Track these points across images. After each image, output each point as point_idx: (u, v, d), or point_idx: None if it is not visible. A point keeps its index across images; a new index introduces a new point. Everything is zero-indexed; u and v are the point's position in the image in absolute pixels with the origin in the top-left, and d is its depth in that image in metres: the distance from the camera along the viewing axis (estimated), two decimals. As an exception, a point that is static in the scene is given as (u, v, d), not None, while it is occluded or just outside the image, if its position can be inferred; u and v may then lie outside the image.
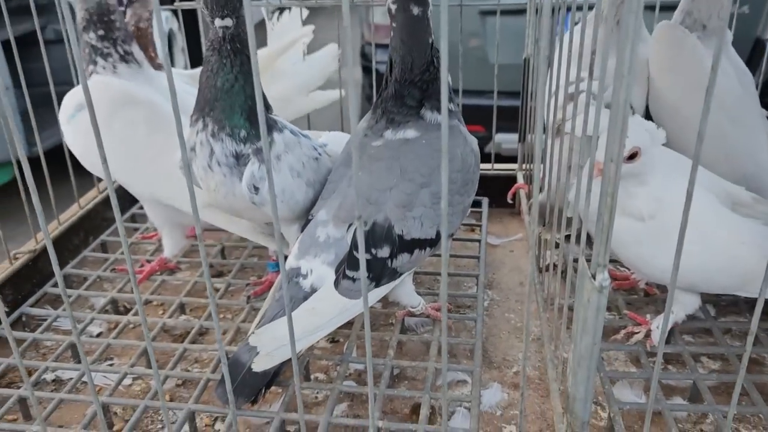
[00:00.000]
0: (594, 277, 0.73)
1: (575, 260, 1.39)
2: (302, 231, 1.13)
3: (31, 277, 1.45)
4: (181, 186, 1.12)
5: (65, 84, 1.52)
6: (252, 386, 1.02)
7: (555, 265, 1.35)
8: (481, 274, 1.42)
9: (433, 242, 1.10)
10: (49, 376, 1.23)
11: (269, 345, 1.01)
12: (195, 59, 4.70)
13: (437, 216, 1.08)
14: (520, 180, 1.77)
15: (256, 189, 1.11)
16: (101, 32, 1.35)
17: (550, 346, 1.13)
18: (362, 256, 0.66)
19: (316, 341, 1.06)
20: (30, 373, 1.23)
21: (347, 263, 1.05)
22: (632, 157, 1.09)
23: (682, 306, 1.19)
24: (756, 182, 1.27)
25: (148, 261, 1.52)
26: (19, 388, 1.17)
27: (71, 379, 1.19)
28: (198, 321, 1.32)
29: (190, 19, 1.94)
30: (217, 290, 1.45)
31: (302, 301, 1.05)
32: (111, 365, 1.25)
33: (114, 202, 0.68)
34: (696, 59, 1.30)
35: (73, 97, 1.36)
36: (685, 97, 1.31)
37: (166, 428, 1.11)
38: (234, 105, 1.09)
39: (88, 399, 1.12)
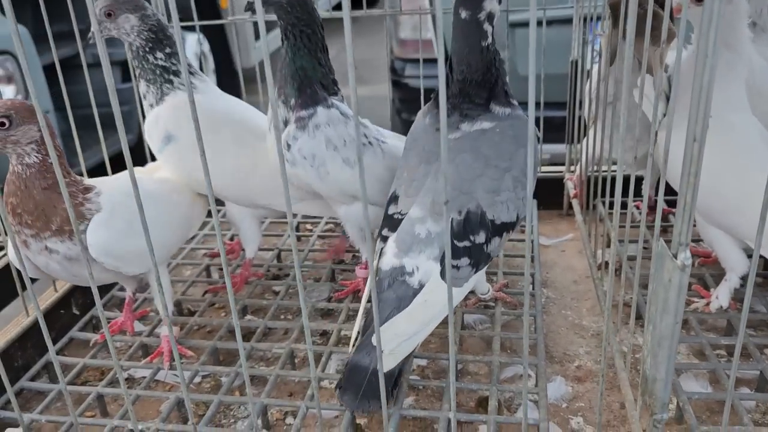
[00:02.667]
0: (676, 256, 0.75)
1: (630, 258, 1.43)
2: (388, 228, 1.15)
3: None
4: (277, 190, 1.23)
5: (104, 106, 1.54)
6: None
7: (606, 264, 1.38)
8: (537, 271, 1.44)
9: (514, 225, 1.14)
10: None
11: (392, 343, 1.02)
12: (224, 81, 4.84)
13: (518, 199, 1.11)
14: (569, 184, 1.79)
15: (288, 146, 1.23)
16: (168, 50, 1.35)
17: (615, 338, 1.14)
18: (447, 248, 0.68)
19: (429, 333, 1.07)
20: (103, 373, 1.28)
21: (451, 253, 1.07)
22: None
23: (732, 268, 1.24)
24: None
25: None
26: (95, 386, 1.21)
27: (144, 377, 1.22)
28: (262, 320, 1.35)
29: (219, 40, 1.98)
30: (276, 293, 1.48)
31: (413, 297, 1.06)
32: (181, 364, 1.28)
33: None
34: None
35: (156, 126, 1.35)
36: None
37: (240, 421, 1.15)
38: (287, 76, 1.23)
39: (164, 395, 1.16)
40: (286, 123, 1.24)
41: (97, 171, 1.39)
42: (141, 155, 1.65)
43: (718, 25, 0.64)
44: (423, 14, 1.95)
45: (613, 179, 1.11)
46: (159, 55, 1.35)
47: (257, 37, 5.00)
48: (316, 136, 1.22)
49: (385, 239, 1.13)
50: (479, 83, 1.12)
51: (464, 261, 1.09)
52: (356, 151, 1.09)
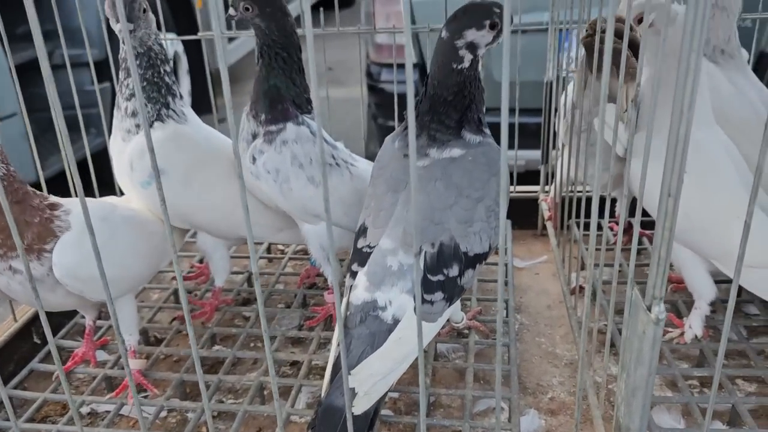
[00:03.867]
0: (650, 309, 0.74)
1: (604, 282, 1.42)
2: (357, 263, 1.12)
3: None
4: (261, 222, 1.36)
5: (71, 108, 1.45)
6: (355, 429, 0.93)
7: (581, 289, 1.37)
8: (510, 297, 1.42)
9: (487, 255, 1.12)
10: (84, 410, 1.23)
11: (367, 383, 0.99)
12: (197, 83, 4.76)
13: (491, 229, 1.10)
14: (543, 205, 1.78)
15: (254, 159, 1.23)
16: (168, 67, 1.28)
17: (589, 372, 1.13)
18: (418, 283, 0.66)
19: (404, 371, 1.04)
20: (65, 408, 1.24)
21: (424, 288, 1.05)
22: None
23: (701, 295, 1.24)
24: None
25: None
26: (54, 423, 1.16)
27: (107, 412, 1.18)
28: (231, 350, 1.32)
29: (193, 41, 1.92)
30: (246, 319, 1.45)
31: (387, 333, 1.03)
32: (145, 397, 1.24)
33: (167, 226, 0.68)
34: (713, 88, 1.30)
35: (143, 159, 1.26)
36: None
37: (206, 462, 1.11)
38: (260, 92, 1.22)
39: (127, 433, 1.12)
40: (254, 135, 1.24)
41: (62, 178, 1.32)
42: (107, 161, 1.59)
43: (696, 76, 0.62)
44: (396, 32, 1.92)
45: (588, 200, 1.10)
46: (167, 68, 1.29)
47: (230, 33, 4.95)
48: (282, 152, 1.22)
49: (354, 274, 1.10)
50: (449, 103, 1.10)
51: (438, 296, 1.07)
52: (320, 170, 1.08)
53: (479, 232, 1.08)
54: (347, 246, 1.37)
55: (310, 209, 1.26)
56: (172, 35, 3.90)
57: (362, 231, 1.14)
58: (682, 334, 1.27)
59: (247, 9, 1.18)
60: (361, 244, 1.12)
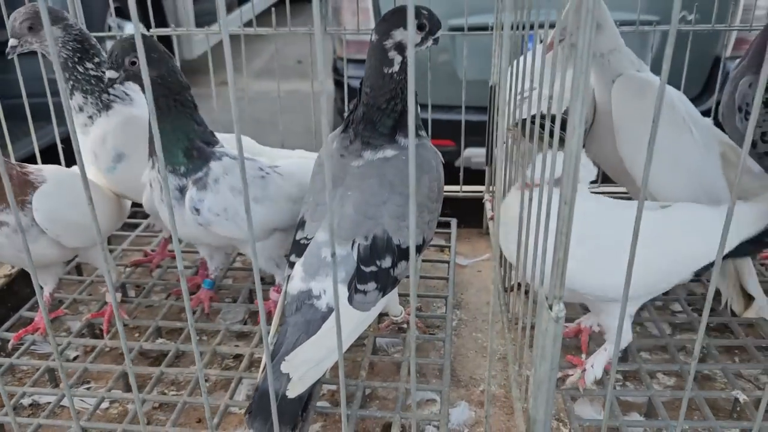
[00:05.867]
0: (551, 307, 0.79)
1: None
2: (295, 254, 1.16)
3: (6, 300, 1.46)
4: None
5: (37, 96, 1.54)
6: (290, 413, 1.03)
7: (519, 285, 1.42)
8: (450, 295, 1.47)
9: (420, 248, 1.20)
10: (26, 401, 1.25)
11: (301, 369, 1.03)
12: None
13: (423, 223, 1.17)
14: (487, 205, 1.83)
15: (197, 210, 1.23)
16: (96, 59, 1.34)
17: (514, 366, 1.19)
18: (335, 281, 0.71)
19: (336, 359, 1.08)
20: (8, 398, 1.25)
21: (357, 278, 1.10)
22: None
23: (611, 340, 1.19)
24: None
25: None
26: (-5, 413, 1.18)
27: (49, 403, 1.21)
28: (174, 344, 1.34)
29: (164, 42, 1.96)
30: (193, 312, 1.47)
31: (321, 321, 1.08)
32: (88, 389, 1.27)
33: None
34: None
35: (104, 146, 1.37)
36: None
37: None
38: (170, 146, 1.21)
39: (67, 423, 1.14)
40: (181, 190, 1.23)
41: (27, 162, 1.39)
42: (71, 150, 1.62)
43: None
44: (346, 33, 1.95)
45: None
46: (89, 65, 1.35)
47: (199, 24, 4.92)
48: (220, 190, 1.23)
49: (292, 265, 1.15)
50: (383, 111, 1.14)
51: (371, 285, 1.12)
52: (256, 184, 1.12)
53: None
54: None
55: (268, 225, 1.31)
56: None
57: (301, 224, 1.19)
58: (584, 372, 1.20)
59: (133, 63, 1.15)
60: (299, 236, 1.17)
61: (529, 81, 1.14)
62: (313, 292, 1.11)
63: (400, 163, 1.16)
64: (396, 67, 1.11)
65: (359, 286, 1.11)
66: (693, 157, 1.28)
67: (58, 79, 0.68)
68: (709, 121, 1.39)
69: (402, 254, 1.14)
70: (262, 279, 1.57)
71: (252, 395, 1.22)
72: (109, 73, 1.17)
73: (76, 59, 1.33)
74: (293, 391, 1.03)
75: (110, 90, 1.37)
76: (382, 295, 1.14)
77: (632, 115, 1.30)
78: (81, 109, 1.36)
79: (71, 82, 1.34)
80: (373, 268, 1.12)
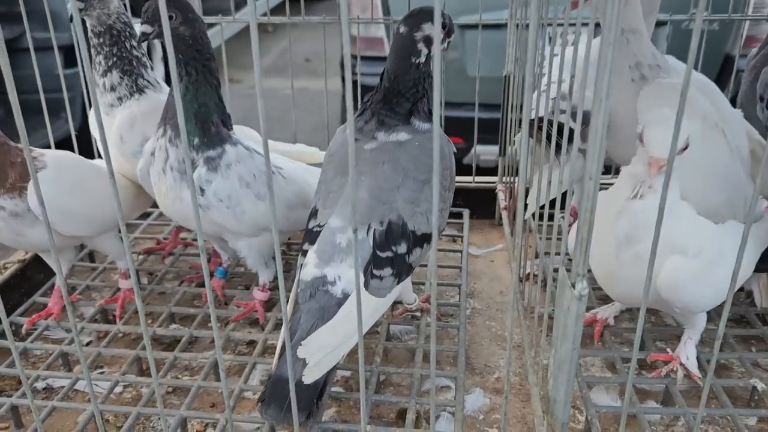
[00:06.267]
0: (574, 286, 0.78)
1: (555, 270, 1.47)
2: (308, 242, 1.15)
3: (20, 286, 1.46)
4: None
5: (45, 91, 1.54)
6: (306, 400, 1.01)
7: (535, 275, 1.42)
8: (464, 283, 1.47)
9: (431, 237, 1.16)
10: (39, 385, 1.24)
11: (317, 355, 1.02)
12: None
13: (438, 210, 1.14)
14: (500, 195, 1.83)
15: (202, 191, 1.20)
16: (133, 42, 1.33)
17: (531, 353, 1.18)
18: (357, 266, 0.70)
19: (353, 345, 1.07)
20: (21, 382, 1.25)
21: (373, 263, 1.10)
22: (684, 148, 1.06)
23: (696, 328, 1.21)
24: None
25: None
26: (9, 396, 1.18)
27: (62, 387, 1.21)
28: (188, 329, 1.34)
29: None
30: (205, 300, 1.47)
31: (337, 307, 1.07)
32: (101, 374, 1.27)
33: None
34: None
35: (132, 129, 1.35)
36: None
37: (159, 434, 1.14)
38: (188, 113, 1.16)
39: (81, 406, 1.14)
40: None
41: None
42: (86, 144, 1.62)
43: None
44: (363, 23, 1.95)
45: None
46: (134, 43, 1.34)
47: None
48: (230, 176, 1.20)
49: (305, 253, 1.14)
50: (403, 94, 1.16)
51: (387, 271, 1.11)
52: (266, 182, 1.13)
53: (426, 213, 1.13)
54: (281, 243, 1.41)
55: (262, 224, 1.28)
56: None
57: (313, 213, 1.18)
58: (683, 368, 1.18)
59: (170, 17, 1.11)
60: (312, 224, 1.17)
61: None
62: (327, 278, 1.10)
63: (414, 148, 1.16)
64: (423, 58, 1.14)
65: (375, 272, 1.10)
66: (727, 166, 1.26)
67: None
68: (738, 113, 1.37)
69: (417, 241, 1.13)
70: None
71: (265, 382, 1.22)
72: (143, 27, 1.15)
73: (126, 35, 1.31)
74: (309, 377, 1.02)
75: (144, 73, 1.35)
76: (398, 282, 1.13)
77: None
78: (113, 89, 1.35)
79: (114, 59, 1.33)
80: (389, 254, 1.11)
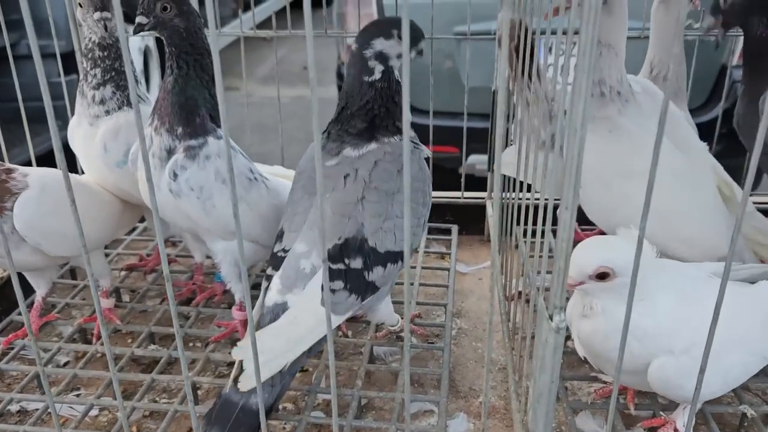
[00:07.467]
0: (551, 318, 0.76)
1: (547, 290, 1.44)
2: (272, 267, 1.13)
3: (-3, 304, 1.44)
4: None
5: (38, 100, 1.50)
6: (247, 425, 1.00)
7: (520, 294, 1.39)
8: (450, 303, 1.44)
9: (401, 255, 1.11)
10: (13, 407, 1.22)
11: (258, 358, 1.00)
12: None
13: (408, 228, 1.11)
14: (489, 209, 1.80)
15: (175, 175, 1.16)
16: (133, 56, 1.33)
17: (514, 377, 1.16)
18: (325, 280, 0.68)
19: (297, 355, 1.04)
20: (-6, 404, 1.23)
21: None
22: (602, 277, 0.98)
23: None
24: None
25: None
26: (-18, 419, 1.16)
27: (37, 410, 1.18)
28: (167, 350, 1.32)
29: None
30: (187, 318, 1.45)
31: None
32: (78, 395, 1.24)
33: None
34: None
35: (117, 139, 1.34)
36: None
37: (132, 461, 1.11)
38: (174, 104, 1.16)
39: (53, 431, 1.11)
40: (169, 151, 1.18)
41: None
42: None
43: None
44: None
45: (534, 207, 1.10)
46: (132, 58, 1.34)
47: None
48: (206, 168, 1.17)
49: (269, 278, 1.12)
50: (355, 115, 1.13)
51: (338, 284, 1.08)
52: (243, 184, 1.10)
53: (393, 229, 1.09)
54: (262, 260, 1.38)
55: (232, 226, 1.24)
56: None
57: (279, 235, 1.15)
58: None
59: (165, 8, 1.12)
60: (276, 248, 1.14)
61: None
62: (288, 304, 1.08)
63: (374, 156, 1.12)
64: (377, 75, 1.10)
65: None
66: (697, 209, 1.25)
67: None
68: (704, 147, 1.36)
69: (379, 258, 1.09)
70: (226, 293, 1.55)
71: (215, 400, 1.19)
72: (139, 18, 1.14)
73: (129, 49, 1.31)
74: (244, 384, 1.00)
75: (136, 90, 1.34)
76: (360, 300, 1.10)
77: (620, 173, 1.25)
78: (102, 102, 1.33)
79: (113, 73, 1.32)
80: (340, 266, 1.08)
